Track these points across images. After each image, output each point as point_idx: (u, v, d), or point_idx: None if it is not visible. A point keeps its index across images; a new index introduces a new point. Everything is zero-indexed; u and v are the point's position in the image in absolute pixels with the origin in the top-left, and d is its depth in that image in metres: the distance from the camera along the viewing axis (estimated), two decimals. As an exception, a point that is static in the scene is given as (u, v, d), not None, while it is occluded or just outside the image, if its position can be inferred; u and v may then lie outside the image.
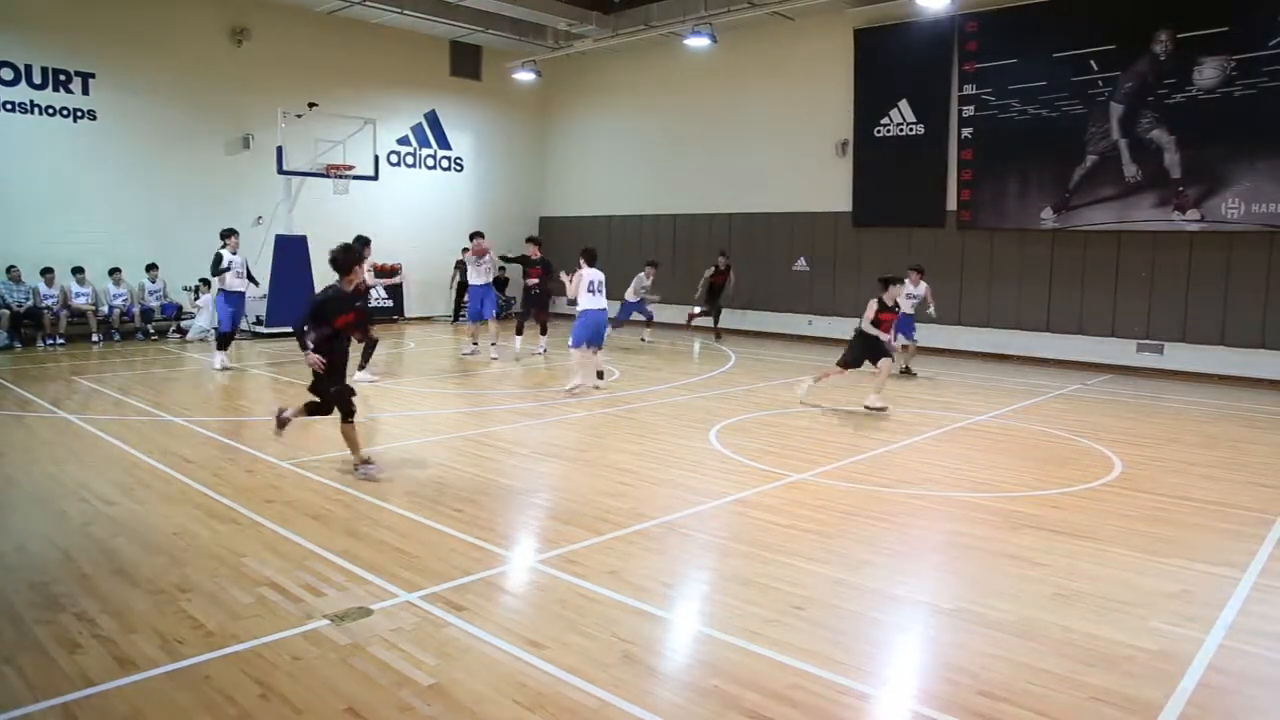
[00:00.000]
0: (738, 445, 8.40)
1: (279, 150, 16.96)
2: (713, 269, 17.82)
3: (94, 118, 16.32)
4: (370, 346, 11.78)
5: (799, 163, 18.37)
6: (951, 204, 16.35)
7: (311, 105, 17.80)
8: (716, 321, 18.18)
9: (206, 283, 15.74)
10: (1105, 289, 14.76)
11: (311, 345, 6.99)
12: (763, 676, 3.87)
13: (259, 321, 17.24)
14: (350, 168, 18.12)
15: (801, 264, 18.52)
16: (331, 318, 7.05)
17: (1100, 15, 14.49)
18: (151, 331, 16.60)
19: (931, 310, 13.34)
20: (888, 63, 16.94)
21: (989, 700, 3.70)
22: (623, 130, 21.83)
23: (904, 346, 12.85)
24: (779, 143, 18.64)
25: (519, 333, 14.32)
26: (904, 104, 16.82)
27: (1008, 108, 15.53)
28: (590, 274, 11.12)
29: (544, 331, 14.90)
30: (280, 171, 17.12)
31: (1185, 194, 13.90)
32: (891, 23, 16.79)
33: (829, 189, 17.92)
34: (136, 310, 16.46)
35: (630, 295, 16.25)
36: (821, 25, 17.59)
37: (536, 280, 14.34)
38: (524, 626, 4.36)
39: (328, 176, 17.99)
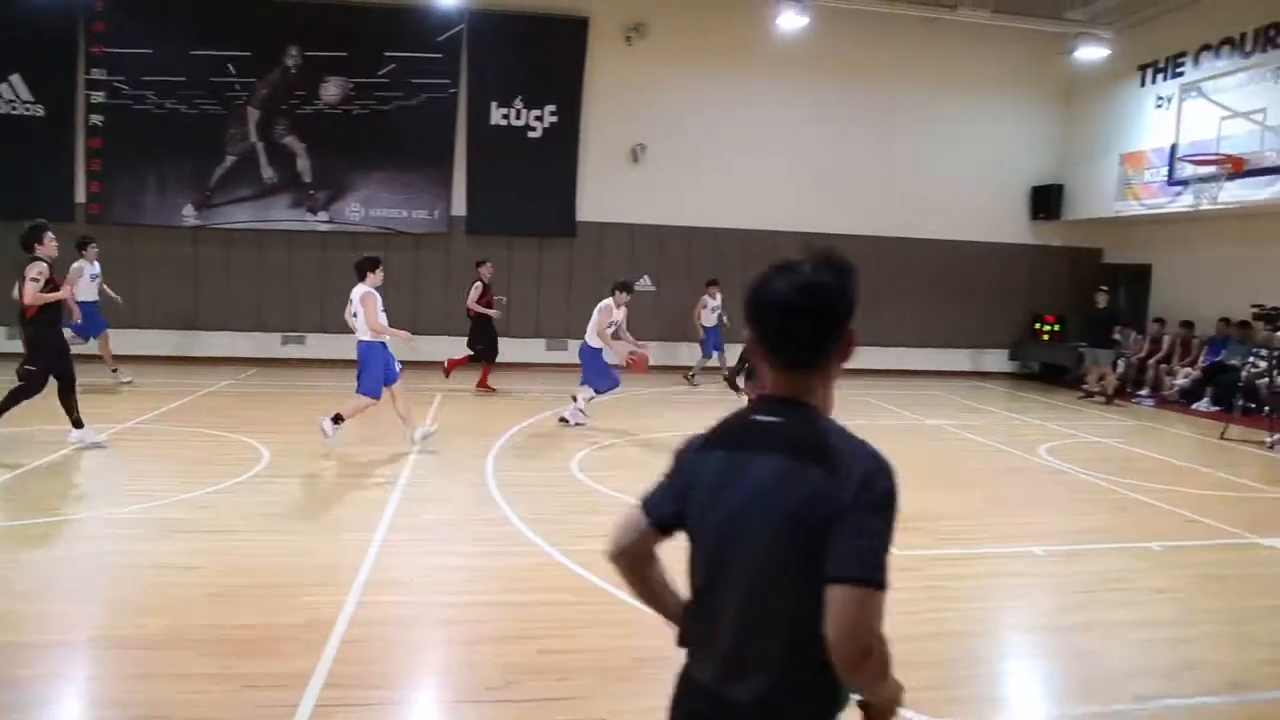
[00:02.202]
0: None
1: None
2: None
3: None
4: None
5: None
6: (81, 195, 14.80)
7: None
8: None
9: None
10: (249, 285, 15.20)
11: None
12: None
13: None
14: None
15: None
16: None
17: (236, 21, 14.68)
18: None
19: None
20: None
21: (140, 724, 3.52)
22: None
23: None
24: None
25: None
26: (17, 78, 14.58)
27: (144, 99, 14.68)
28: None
29: None
30: None
31: (316, 197, 15.18)
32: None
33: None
34: None
35: None
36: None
37: None
38: None
39: None
